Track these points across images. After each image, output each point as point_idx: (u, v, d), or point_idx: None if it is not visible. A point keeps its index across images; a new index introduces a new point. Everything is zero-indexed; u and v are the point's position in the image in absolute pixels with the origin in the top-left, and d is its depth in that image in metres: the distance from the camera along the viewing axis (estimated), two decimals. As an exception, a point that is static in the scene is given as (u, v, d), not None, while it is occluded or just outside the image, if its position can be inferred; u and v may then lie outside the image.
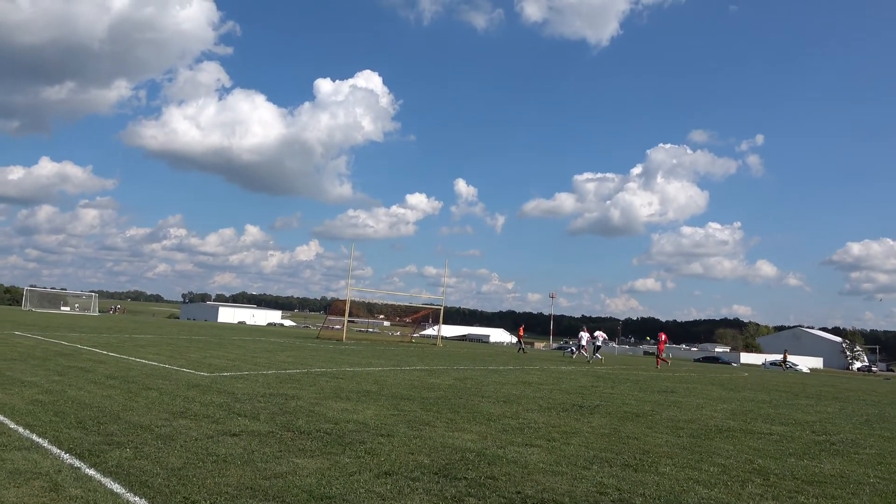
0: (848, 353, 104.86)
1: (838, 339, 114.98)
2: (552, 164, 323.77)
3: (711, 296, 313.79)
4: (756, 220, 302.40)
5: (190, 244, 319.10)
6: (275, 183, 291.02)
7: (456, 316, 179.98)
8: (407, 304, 44.76)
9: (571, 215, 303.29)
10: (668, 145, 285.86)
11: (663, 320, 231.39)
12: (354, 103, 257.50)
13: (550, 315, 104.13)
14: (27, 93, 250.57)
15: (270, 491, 4.60)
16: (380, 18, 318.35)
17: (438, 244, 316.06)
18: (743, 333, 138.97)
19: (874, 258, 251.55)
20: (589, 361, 29.74)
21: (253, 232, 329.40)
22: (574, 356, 33.69)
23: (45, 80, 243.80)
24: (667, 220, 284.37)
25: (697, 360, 65.17)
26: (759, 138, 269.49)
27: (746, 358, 77.21)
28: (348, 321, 39.00)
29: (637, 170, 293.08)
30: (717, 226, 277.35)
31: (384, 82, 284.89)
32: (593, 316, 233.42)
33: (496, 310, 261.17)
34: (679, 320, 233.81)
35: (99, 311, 79.22)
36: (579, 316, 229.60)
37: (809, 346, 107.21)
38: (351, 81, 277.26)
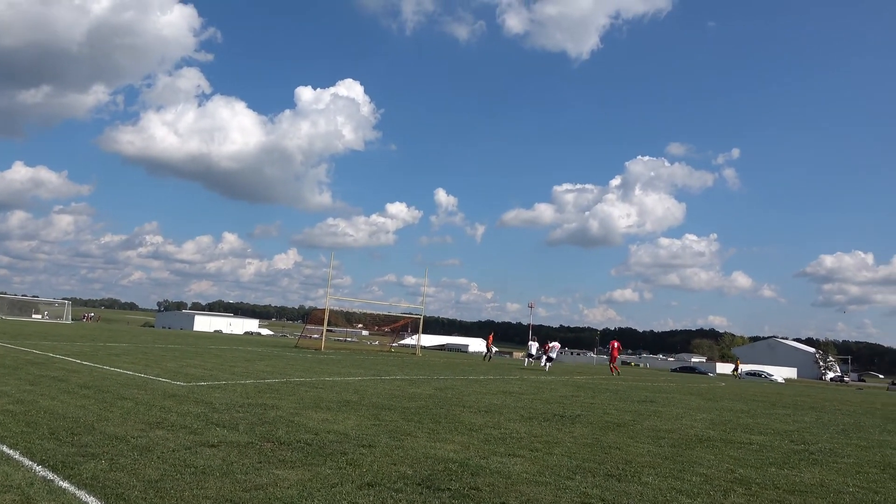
0: (821, 363, 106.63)
1: (812, 349, 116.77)
2: (532, 175, 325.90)
3: (688, 307, 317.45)
4: (732, 232, 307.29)
5: (166, 251, 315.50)
6: (254, 191, 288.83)
7: (435, 325, 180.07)
8: (386, 313, 44.50)
9: (551, 226, 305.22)
10: (646, 158, 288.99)
11: (640, 330, 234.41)
12: (335, 112, 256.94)
13: (529, 325, 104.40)
14: (1, 96, 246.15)
15: (250, 503, 4.51)
16: (362, 28, 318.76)
17: (418, 253, 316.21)
18: (719, 344, 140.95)
19: (846, 270, 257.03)
20: (544, 367, 30.61)
21: (230, 240, 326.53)
22: (529, 365, 34.46)
23: (20, 83, 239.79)
24: (644, 231, 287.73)
25: (674, 370, 65.82)
26: (735, 152, 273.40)
27: (722, 368, 78.06)
28: (327, 330, 38.69)
29: (616, 181, 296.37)
30: (694, 237, 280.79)
31: (365, 91, 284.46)
32: (572, 326, 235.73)
33: (475, 319, 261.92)
34: (656, 330, 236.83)
35: (72, 319, 77.63)
36: (557, 326, 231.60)
37: (784, 357, 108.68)
38: (332, 90, 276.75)
